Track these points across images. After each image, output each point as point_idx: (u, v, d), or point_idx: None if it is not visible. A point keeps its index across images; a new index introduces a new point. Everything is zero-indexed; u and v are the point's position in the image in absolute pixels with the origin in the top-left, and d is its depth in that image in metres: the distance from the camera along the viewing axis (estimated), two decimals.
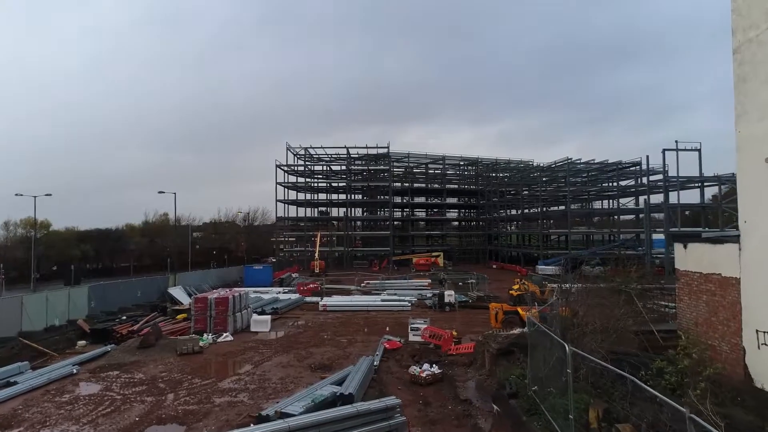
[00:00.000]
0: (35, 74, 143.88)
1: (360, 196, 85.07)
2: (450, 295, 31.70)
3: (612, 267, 17.99)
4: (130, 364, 18.71)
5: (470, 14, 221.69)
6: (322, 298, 35.01)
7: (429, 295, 35.50)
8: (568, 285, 15.67)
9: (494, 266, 68.80)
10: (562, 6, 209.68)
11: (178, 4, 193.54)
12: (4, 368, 16.97)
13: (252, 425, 11.43)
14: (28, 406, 14.11)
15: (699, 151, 43.16)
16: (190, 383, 16.17)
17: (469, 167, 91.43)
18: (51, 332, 24.23)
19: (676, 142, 41.82)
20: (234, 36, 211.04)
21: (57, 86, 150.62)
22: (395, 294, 37.45)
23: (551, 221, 74.21)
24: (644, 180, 53.60)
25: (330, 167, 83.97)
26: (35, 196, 46.95)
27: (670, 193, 45.49)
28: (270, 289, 42.11)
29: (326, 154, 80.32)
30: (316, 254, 60.48)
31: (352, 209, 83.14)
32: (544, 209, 68.48)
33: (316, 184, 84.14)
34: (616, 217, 67.22)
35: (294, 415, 11.12)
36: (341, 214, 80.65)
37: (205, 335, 22.94)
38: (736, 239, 11.65)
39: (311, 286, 40.67)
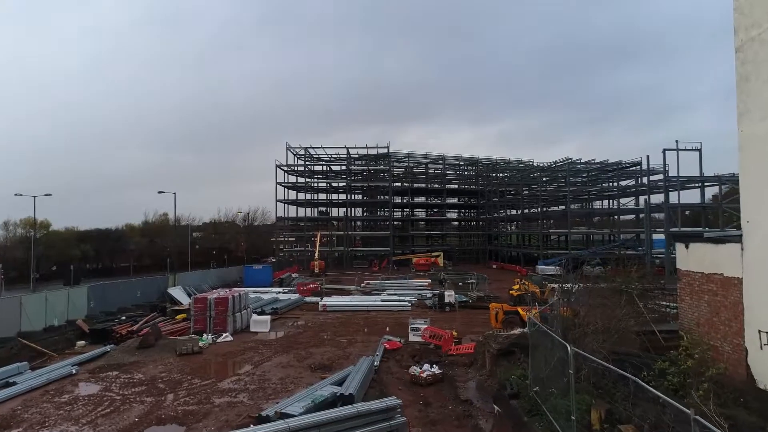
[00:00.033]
0: (35, 74, 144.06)
1: (360, 196, 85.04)
2: (450, 295, 31.65)
3: (613, 267, 17.92)
4: (130, 365, 18.66)
5: (470, 14, 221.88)
6: (321, 298, 34.97)
7: (429, 295, 35.45)
8: (569, 285, 15.61)
9: (494, 266, 68.77)
10: (562, 6, 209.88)
11: (178, 4, 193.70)
12: (3, 368, 16.91)
13: (252, 426, 11.38)
14: (27, 407, 14.06)
15: (699, 151, 43.12)
16: (189, 383, 16.11)
17: (469, 167, 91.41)
18: (50, 332, 24.17)
19: (677, 141, 41.79)
20: (234, 36, 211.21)
21: (57, 86, 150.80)
22: (395, 294, 37.41)
23: (551, 221, 74.17)
24: (644, 180, 53.56)
25: (330, 167, 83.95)
26: (35, 196, 46.94)
27: (671, 193, 45.43)
28: (270, 289, 42.05)
29: (326, 154, 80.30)
30: (316, 254, 60.44)
31: (352, 209, 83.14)
32: (544, 209, 68.47)
33: (316, 184, 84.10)
34: (616, 217, 67.22)
35: (294, 416, 11.06)
36: (341, 214, 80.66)
37: (204, 335, 22.89)
38: (738, 239, 11.59)
39: (311, 286, 40.62)
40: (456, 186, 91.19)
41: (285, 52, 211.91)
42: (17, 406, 14.12)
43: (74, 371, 17.52)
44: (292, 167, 78.48)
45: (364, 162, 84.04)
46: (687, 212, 53.88)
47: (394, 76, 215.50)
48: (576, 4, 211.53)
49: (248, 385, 15.82)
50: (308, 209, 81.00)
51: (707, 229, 39.58)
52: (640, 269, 16.63)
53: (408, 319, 23.70)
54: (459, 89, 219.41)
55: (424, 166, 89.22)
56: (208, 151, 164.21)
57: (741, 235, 11.52)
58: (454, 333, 21.16)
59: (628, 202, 63.78)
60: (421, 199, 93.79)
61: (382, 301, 34.32)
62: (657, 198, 51.13)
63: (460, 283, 41.99)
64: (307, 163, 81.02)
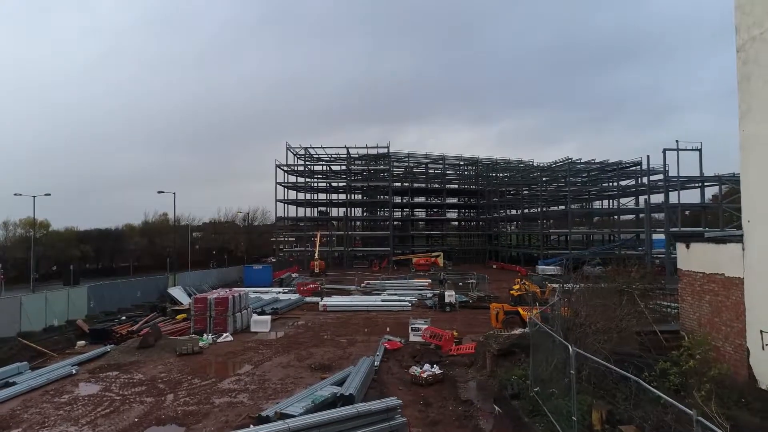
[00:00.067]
0: (35, 74, 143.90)
1: (360, 196, 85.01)
2: (450, 296, 31.63)
3: (613, 267, 17.88)
4: (130, 365, 18.63)
5: (470, 14, 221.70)
6: (322, 298, 34.94)
7: (429, 295, 35.46)
8: (570, 285, 15.57)
9: (494, 266, 68.76)
10: (562, 6, 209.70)
11: (178, 5, 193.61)
12: (3, 369, 16.91)
13: (252, 426, 11.36)
14: (27, 407, 14.03)
15: (699, 151, 43.09)
16: (189, 384, 16.09)
17: (469, 167, 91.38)
18: (50, 332, 24.18)
19: (677, 141, 41.74)
20: (234, 36, 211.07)
21: (57, 86, 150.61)
22: (395, 294, 37.40)
23: (551, 221, 74.14)
24: (644, 180, 53.53)
25: (330, 167, 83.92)
26: (34, 196, 46.81)
27: (671, 192, 45.41)
28: (270, 289, 42.04)
29: (326, 154, 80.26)
30: (316, 254, 60.40)
31: (352, 209, 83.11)
32: (545, 209, 68.45)
33: (316, 184, 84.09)
34: (616, 217, 67.16)
35: (294, 416, 11.04)
36: (341, 214, 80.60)
37: (204, 335, 22.86)
38: (739, 239, 11.57)
39: (311, 286, 40.59)
40: (456, 186, 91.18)
41: (285, 52, 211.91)
42: (17, 407, 14.09)
43: (74, 371, 17.50)
44: (292, 167, 78.45)
45: (364, 162, 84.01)
46: (687, 212, 53.86)
47: (394, 76, 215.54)
48: (576, 4, 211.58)
49: (248, 386, 15.80)
50: (308, 209, 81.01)
51: (707, 229, 39.55)
52: (640, 269, 16.56)
53: (408, 319, 23.68)
54: (459, 89, 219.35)
55: (424, 166, 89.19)
56: (208, 151, 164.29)
57: (742, 235, 11.50)
58: (455, 333, 21.14)
59: (628, 202, 63.76)
60: (421, 199, 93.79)
61: (383, 301, 34.30)
62: (657, 198, 51.13)
63: (461, 283, 41.99)
64: (307, 163, 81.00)
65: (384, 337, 21.79)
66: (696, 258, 13.37)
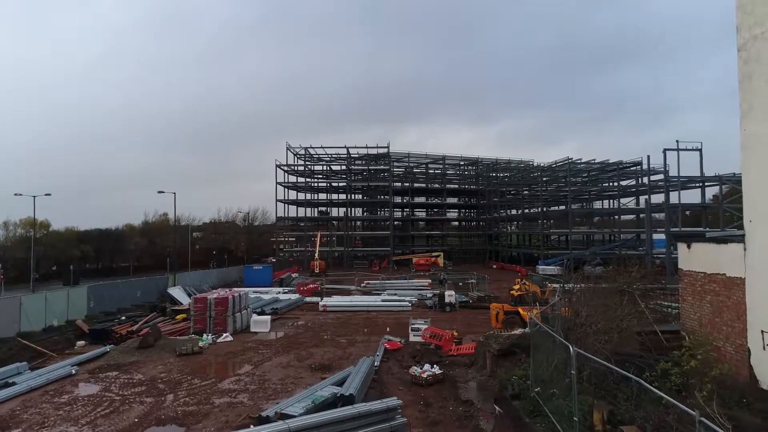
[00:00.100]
0: (35, 74, 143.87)
1: (360, 196, 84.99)
2: (450, 296, 31.60)
3: (614, 267, 17.86)
4: (129, 365, 18.61)
5: (470, 14, 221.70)
6: (322, 299, 34.91)
7: (429, 295, 35.43)
8: (570, 285, 15.55)
9: (494, 266, 68.73)
10: (562, 6, 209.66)
11: (178, 5, 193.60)
12: (2, 369, 16.88)
13: (252, 426, 11.34)
14: (27, 407, 14.01)
15: (700, 150, 43.05)
16: (189, 384, 16.06)
17: (470, 167, 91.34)
18: (50, 332, 24.15)
19: (677, 141, 41.68)
20: (234, 36, 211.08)
21: (57, 86, 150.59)
22: (395, 294, 37.36)
23: (551, 221, 74.10)
24: (645, 180, 53.47)
25: (330, 167, 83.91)
26: (34, 196, 46.78)
27: (671, 192, 45.37)
28: (270, 289, 42.01)
29: (326, 154, 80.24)
30: (316, 254, 60.37)
31: (352, 209, 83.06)
32: (545, 209, 68.40)
33: (316, 184, 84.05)
34: (616, 217, 67.12)
35: (294, 416, 11.02)
36: (341, 214, 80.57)
37: (204, 335, 22.83)
38: (740, 239, 11.54)
39: (311, 286, 40.56)
40: (456, 186, 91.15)
41: (285, 52, 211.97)
42: (16, 407, 14.07)
43: (74, 371, 17.47)
44: (292, 167, 78.43)
45: (364, 162, 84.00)
46: (687, 212, 53.83)
47: (394, 76, 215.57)
48: (576, 4, 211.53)
49: (248, 386, 15.77)
50: (308, 209, 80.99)
51: (708, 229, 39.52)
52: (641, 269, 16.54)
53: (408, 319, 23.65)
54: (459, 89, 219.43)
55: (424, 166, 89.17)
56: (209, 151, 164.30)
57: (743, 235, 11.46)
58: (455, 333, 21.10)
59: (628, 202, 63.72)
60: (421, 199, 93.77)
61: (383, 301, 34.27)
62: (657, 198, 51.09)
63: (461, 283, 41.96)
64: (307, 163, 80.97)
65: (384, 337, 21.76)
66: (697, 258, 13.34)
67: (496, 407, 12.40)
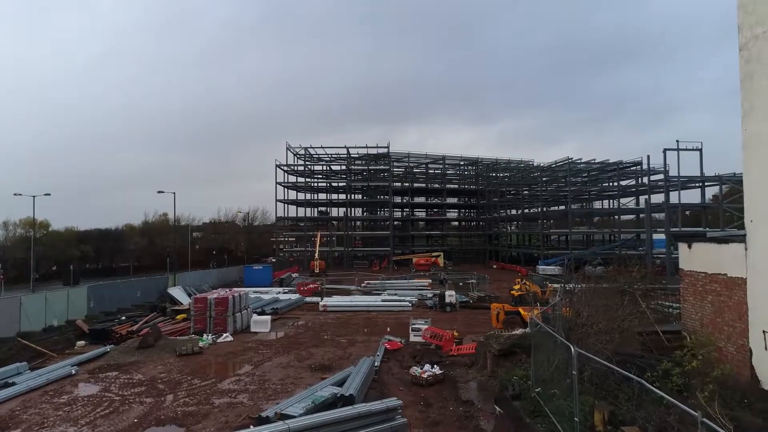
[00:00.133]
0: (35, 74, 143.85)
1: (360, 196, 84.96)
2: (451, 296, 31.57)
3: (615, 267, 17.84)
4: (129, 365, 18.58)
5: (470, 14, 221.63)
6: (322, 299, 34.89)
7: (429, 295, 35.41)
8: (571, 285, 15.52)
9: (494, 266, 68.71)
10: (562, 6, 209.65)
11: (178, 5, 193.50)
12: (2, 369, 16.85)
13: (252, 427, 11.32)
14: (26, 407, 13.98)
15: (700, 150, 43.03)
16: (189, 384, 16.03)
17: (469, 167, 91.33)
18: (50, 332, 24.13)
19: (677, 141, 41.66)
20: (234, 36, 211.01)
21: (57, 86, 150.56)
22: (396, 294, 37.34)
23: (551, 221, 74.09)
24: (645, 180, 53.44)
25: (330, 167, 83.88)
26: (34, 196, 46.74)
27: (671, 192, 45.35)
28: (270, 289, 41.99)
29: (326, 154, 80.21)
30: (316, 254, 60.35)
31: (352, 209, 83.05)
32: (545, 209, 68.39)
33: (316, 184, 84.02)
34: (616, 217, 67.11)
35: (294, 417, 10.99)
36: (341, 214, 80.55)
37: (204, 336, 22.80)
38: (742, 239, 11.51)
39: (311, 286, 40.54)
40: (456, 186, 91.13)
41: (285, 52, 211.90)
42: (16, 407, 14.04)
43: (73, 372, 17.45)
44: (292, 167, 78.41)
45: (364, 162, 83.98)
46: (687, 212, 53.81)
47: (394, 76, 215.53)
48: (576, 4, 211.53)
49: (248, 386, 15.74)
50: (308, 209, 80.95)
51: (708, 229, 39.52)
52: (641, 269, 16.52)
53: (408, 320, 23.62)
54: (459, 89, 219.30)
55: (424, 166, 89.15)
56: (209, 151, 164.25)
57: (745, 235, 11.43)
58: (455, 333, 21.08)
59: (628, 202, 63.70)
60: (421, 199, 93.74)
61: (383, 301, 34.24)
62: (657, 198, 51.07)
63: (461, 283, 41.94)
64: (307, 163, 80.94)
65: (384, 338, 21.73)
66: (698, 258, 13.31)
67: (497, 407, 12.37)
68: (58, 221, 76.51)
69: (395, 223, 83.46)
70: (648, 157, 49.66)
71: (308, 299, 36.42)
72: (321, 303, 32.97)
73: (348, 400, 12.37)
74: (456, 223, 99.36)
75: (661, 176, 48.19)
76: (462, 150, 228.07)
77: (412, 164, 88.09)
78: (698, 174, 43.83)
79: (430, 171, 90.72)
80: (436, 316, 27.32)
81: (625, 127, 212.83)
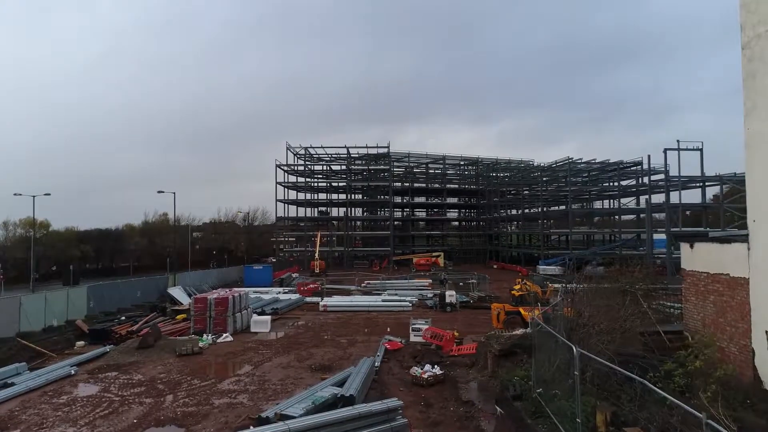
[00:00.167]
0: (35, 74, 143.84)
1: (360, 196, 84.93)
2: (451, 296, 31.52)
3: (616, 267, 17.79)
4: (129, 365, 18.53)
5: (470, 14, 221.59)
6: (322, 299, 34.83)
7: (430, 295, 35.37)
8: (573, 285, 15.47)
9: (495, 266, 68.68)
10: (562, 6, 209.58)
11: (178, 5, 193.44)
12: (1, 369, 16.79)
13: (252, 427, 11.27)
14: (26, 408, 13.92)
15: (701, 150, 43.01)
16: (189, 384, 15.98)
17: (470, 167, 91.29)
18: (49, 333, 24.07)
19: (678, 141, 41.67)
20: (234, 36, 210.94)
21: (57, 86, 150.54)
22: (396, 294, 37.29)
23: (552, 221, 74.04)
24: (645, 180, 53.40)
25: (330, 167, 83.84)
26: (34, 196, 46.68)
27: (672, 192, 45.31)
28: (270, 289, 41.94)
29: (326, 154, 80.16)
30: (316, 254, 60.31)
31: (352, 209, 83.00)
32: (545, 209, 68.35)
33: (316, 184, 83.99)
34: (617, 216, 67.05)
35: (294, 417, 10.94)
36: (341, 214, 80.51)
37: (204, 336, 22.75)
38: (744, 239, 11.45)
39: (311, 286, 40.49)
40: (456, 186, 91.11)
41: (285, 52, 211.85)
42: (15, 407, 13.98)
43: (73, 372, 17.39)
44: (292, 167, 78.37)
45: (364, 162, 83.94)
46: (688, 212, 53.78)
47: (394, 76, 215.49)
48: (576, 4, 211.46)
49: (248, 386, 15.69)
50: (308, 209, 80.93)
51: (709, 229, 39.48)
52: (643, 269, 16.45)
53: (409, 320, 23.57)
54: (459, 89, 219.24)
55: (424, 165, 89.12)
56: (208, 151, 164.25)
57: (747, 235, 11.38)
58: (456, 333, 21.02)
59: (628, 201, 63.65)
60: (422, 199, 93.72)
61: (383, 301, 34.19)
62: (658, 198, 51.04)
63: (461, 283, 41.89)
64: (307, 162, 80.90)
65: (384, 338, 21.68)
66: (700, 258, 13.26)
67: (498, 408, 12.32)
68: (58, 221, 76.61)
69: (395, 223, 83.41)
70: (649, 157, 49.71)
71: (308, 299, 36.37)
72: (321, 303, 32.92)
73: (348, 401, 12.32)
74: (456, 223, 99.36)
75: (661, 176, 48.14)
76: (462, 150, 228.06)
77: (412, 164, 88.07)
78: (699, 174, 43.82)
79: (431, 171, 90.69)
80: (437, 316, 27.27)
81: (625, 127, 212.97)
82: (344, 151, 77.77)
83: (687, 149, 42.32)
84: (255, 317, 26.54)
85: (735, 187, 42.20)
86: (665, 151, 42.76)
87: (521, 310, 22.58)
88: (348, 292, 40.35)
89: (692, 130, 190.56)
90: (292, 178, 79.90)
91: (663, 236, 44.08)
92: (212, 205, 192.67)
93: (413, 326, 21.97)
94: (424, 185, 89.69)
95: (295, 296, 36.73)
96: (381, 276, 52.44)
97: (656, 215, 52.36)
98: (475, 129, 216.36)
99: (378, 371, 16.73)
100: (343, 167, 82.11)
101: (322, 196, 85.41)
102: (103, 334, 22.90)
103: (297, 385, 15.72)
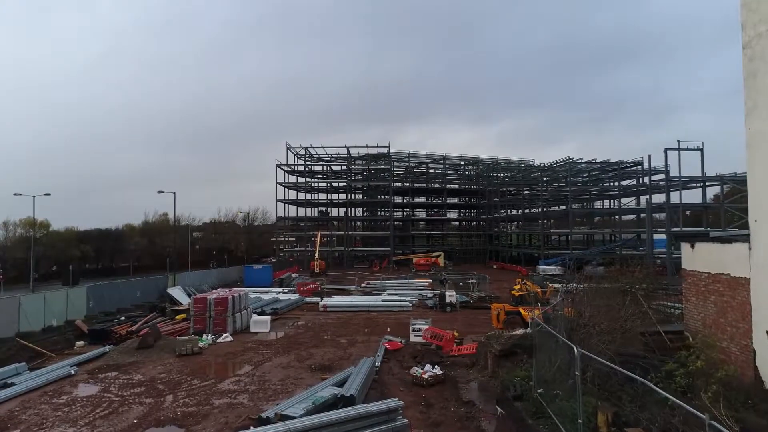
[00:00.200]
0: (35, 74, 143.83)
1: (360, 196, 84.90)
2: (451, 296, 31.49)
3: (616, 267, 17.76)
4: (129, 365, 18.50)
5: (470, 14, 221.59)
6: (322, 299, 34.80)
7: (430, 295, 35.33)
8: (573, 285, 15.44)
9: (495, 266, 68.63)
10: (562, 6, 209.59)
11: (178, 5, 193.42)
12: (1, 369, 16.77)
13: (252, 428, 11.25)
14: (25, 408, 13.90)
15: (701, 150, 42.99)
16: (189, 384, 15.95)
17: (470, 167, 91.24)
18: (49, 333, 24.05)
19: (678, 141, 41.68)
20: (234, 36, 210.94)
21: (57, 86, 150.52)
22: (396, 294, 37.25)
23: (552, 221, 74.00)
24: (646, 180, 53.40)
25: (330, 167, 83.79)
26: (34, 196, 46.66)
27: (672, 192, 45.29)
28: (270, 289, 41.90)
29: (326, 154, 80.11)
30: (316, 254, 60.27)
31: (353, 209, 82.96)
32: (545, 209, 68.33)
33: (316, 184, 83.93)
34: (617, 216, 67.02)
35: (294, 418, 10.92)
36: (341, 214, 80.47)
37: (204, 336, 22.72)
38: (745, 239, 11.43)
39: (311, 286, 40.46)
40: (456, 186, 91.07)
41: (285, 52, 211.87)
42: (15, 408, 13.96)
43: (73, 372, 17.36)
44: (293, 167, 78.32)
45: (364, 162, 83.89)
46: (688, 212, 53.76)
47: (394, 76, 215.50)
48: (576, 4, 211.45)
49: (248, 386, 15.66)
50: (308, 209, 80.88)
51: (709, 229, 39.46)
52: (643, 269, 16.43)
53: (409, 320, 23.54)
54: (459, 89, 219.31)
55: (424, 165, 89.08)
56: (209, 151, 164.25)
57: (748, 235, 11.35)
58: (456, 333, 21.00)
59: (629, 201, 63.64)
60: (422, 199, 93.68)
61: (383, 301, 34.16)
62: (658, 198, 51.02)
63: (461, 283, 41.85)
64: (307, 162, 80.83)
65: (384, 338, 21.65)
66: (701, 258, 13.23)
67: (498, 408, 12.29)
68: (58, 221, 76.55)
69: (395, 223, 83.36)
70: (649, 157, 49.83)
71: (308, 299, 36.33)
72: (321, 303, 32.89)
73: (348, 401, 12.29)
74: (456, 223, 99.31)
75: (662, 176, 48.13)
76: (462, 150, 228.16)
77: (412, 164, 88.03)
78: (699, 174, 43.80)
79: (431, 171, 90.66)
80: (437, 316, 27.24)
81: (625, 127, 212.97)
82: (344, 151, 77.73)
83: (687, 149, 42.34)
84: (255, 317, 26.51)
85: (736, 187, 42.19)
86: (666, 151, 42.78)
87: (521, 310, 22.55)
88: (348, 292, 40.32)
89: (692, 130, 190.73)
90: (293, 178, 79.87)
91: (663, 236, 44.07)
92: (212, 205, 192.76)
93: (413, 326, 21.94)
94: (424, 185, 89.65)
95: (294, 296, 36.70)
96: (381, 276, 52.41)
97: (656, 215, 52.35)
98: (475, 129, 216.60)
99: (378, 371, 16.70)
100: (343, 167, 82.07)
101: (323, 196, 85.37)
102: (103, 334, 22.87)
103: (297, 385, 15.69)
